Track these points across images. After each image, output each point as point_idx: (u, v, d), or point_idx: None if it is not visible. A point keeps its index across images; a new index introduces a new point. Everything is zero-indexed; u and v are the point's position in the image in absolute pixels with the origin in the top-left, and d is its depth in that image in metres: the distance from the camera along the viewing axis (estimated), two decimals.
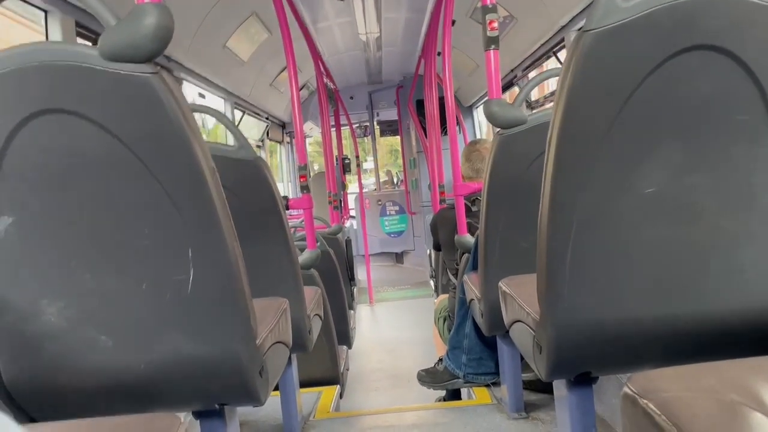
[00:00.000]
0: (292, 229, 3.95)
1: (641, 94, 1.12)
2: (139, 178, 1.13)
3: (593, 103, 1.14)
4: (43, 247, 1.19)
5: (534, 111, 4.47)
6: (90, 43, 2.56)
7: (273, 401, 2.27)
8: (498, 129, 1.95)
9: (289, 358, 2.17)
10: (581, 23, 2.78)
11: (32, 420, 1.27)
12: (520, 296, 1.52)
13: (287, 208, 2.67)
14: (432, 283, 6.08)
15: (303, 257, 2.73)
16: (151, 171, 1.12)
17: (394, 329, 6.11)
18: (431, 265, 6.16)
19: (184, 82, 3.83)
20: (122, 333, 1.23)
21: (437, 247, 4.05)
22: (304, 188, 3.00)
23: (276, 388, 2.10)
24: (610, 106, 1.13)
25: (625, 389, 0.83)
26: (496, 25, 2.09)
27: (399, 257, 9.56)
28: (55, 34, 2.40)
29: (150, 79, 1.08)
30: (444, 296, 3.52)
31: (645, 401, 0.78)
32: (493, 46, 2.11)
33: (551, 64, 4.33)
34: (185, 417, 1.69)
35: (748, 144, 1.15)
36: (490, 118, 1.94)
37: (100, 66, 1.07)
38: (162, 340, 1.23)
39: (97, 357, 1.23)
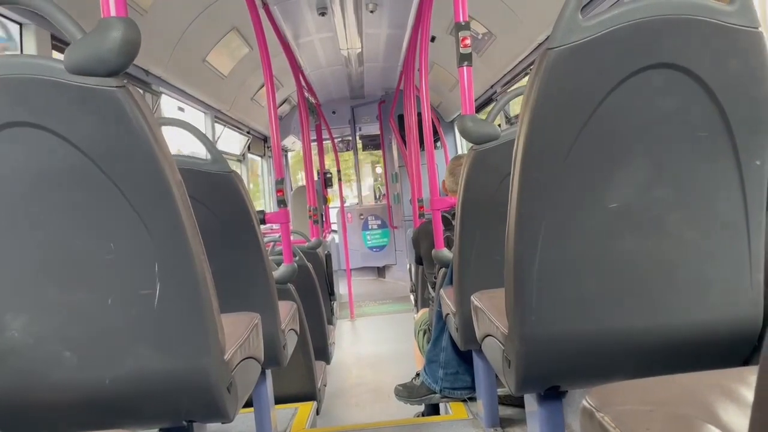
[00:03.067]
0: (271, 244, 3.94)
1: (604, 111, 1.14)
2: (105, 192, 1.12)
3: (557, 119, 1.15)
4: (7, 261, 1.17)
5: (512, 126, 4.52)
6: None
7: (247, 417, 2.25)
8: (472, 144, 1.97)
9: (264, 373, 2.15)
10: None
11: None
12: (491, 310, 1.53)
13: (263, 223, 2.66)
14: (412, 297, 6.08)
15: (279, 272, 2.72)
16: (116, 185, 1.12)
17: (375, 344, 6.09)
18: (412, 280, 6.16)
19: (164, 96, 3.82)
20: (88, 348, 1.21)
21: (419, 261, 4.06)
22: (281, 202, 2.99)
23: (250, 404, 2.09)
24: (574, 122, 1.14)
25: (584, 403, 0.83)
26: (468, 42, 2.11)
27: (381, 271, 9.55)
28: (30, 47, 2.39)
29: (116, 92, 1.07)
30: (425, 310, 3.52)
31: (601, 414, 0.79)
32: (466, 63, 2.14)
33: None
34: None
35: (708, 160, 1.18)
36: (464, 133, 1.95)
37: (66, 79, 1.07)
38: (128, 355, 1.21)
39: (63, 373, 1.21)
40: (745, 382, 0.82)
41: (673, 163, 1.18)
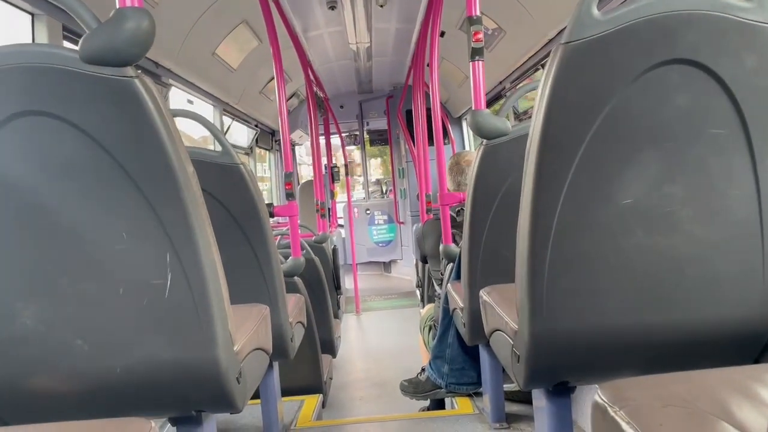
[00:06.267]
0: (278, 237, 3.95)
1: (619, 107, 1.14)
2: (118, 182, 1.13)
3: (571, 114, 1.15)
4: (19, 249, 1.18)
5: (522, 122, 4.50)
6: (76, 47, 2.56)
7: (254, 409, 2.26)
8: (482, 139, 1.97)
9: (271, 365, 2.16)
10: None
11: (5, 423, 1.26)
12: (500, 305, 1.53)
13: (272, 216, 2.66)
14: (418, 292, 6.08)
15: (286, 265, 2.73)
16: (129, 174, 1.12)
17: (381, 338, 6.10)
18: (418, 275, 6.16)
19: (173, 89, 3.82)
20: (99, 337, 1.22)
21: (423, 260, 4.05)
22: (290, 196, 2.99)
23: (257, 396, 2.10)
24: (588, 117, 1.14)
25: (596, 398, 0.83)
26: (481, 36, 2.10)
27: (387, 266, 9.55)
28: (42, 38, 2.39)
29: (130, 82, 1.08)
30: (431, 305, 3.52)
31: (615, 410, 0.79)
32: (477, 58, 2.13)
33: (540, 76, 4.36)
34: (164, 423, 1.68)
35: (723, 156, 1.17)
36: (474, 128, 1.95)
37: (81, 69, 1.07)
38: (138, 344, 1.22)
39: (73, 361, 1.22)
40: (759, 379, 0.82)
41: (687, 160, 1.17)
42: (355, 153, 9.47)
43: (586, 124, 1.14)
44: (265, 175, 7.66)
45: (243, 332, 1.43)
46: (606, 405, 0.81)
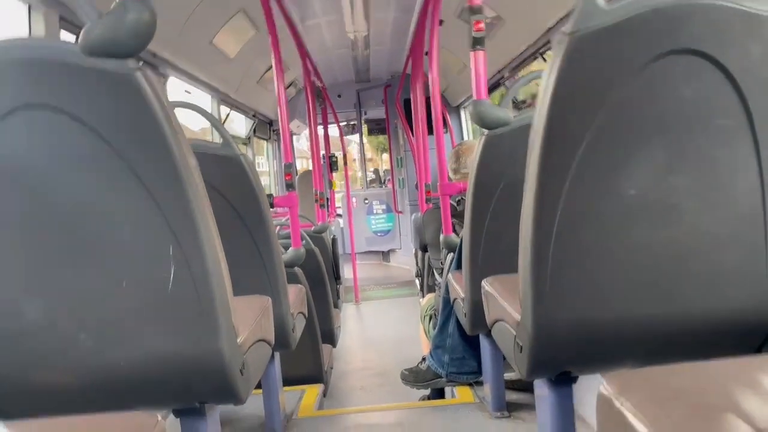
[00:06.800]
0: (278, 227, 3.94)
1: (624, 97, 1.13)
2: (120, 175, 1.12)
3: (576, 105, 1.14)
4: (22, 243, 1.18)
5: (521, 111, 4.48)
6: (74, 36, 2.54)
7: (255, 399, 2.26)
8: (484, 129, 1.96)
9: (272, 356, 2.17)
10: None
11: (9, 417, 1.26)
12: (502, 296, 1.53)
13: (272, 206, 2.66)
14: (418, 282, 6.09)
15: (287, 255, 2.73)
16: (131, 167, 1.12)
17: (380, 328, 6.11)
18: (417, 265, 6.17)
19: (171, 78, 3.80)
20: (102, 331, 1.22)
21: (423, 248, 4.06)
22: (290, 186, 2.98)
23: (259, 386, 2.10)
24: (593, 108, 1.13)
25: (601, 389, 0.83)
26: (482, 26, 2.09)
27: (385, 256, 9.56)
28: (39, 28, 2.37)
29: (132, 75, 1.07)
30: (431, 295, 3.53)
31: (621, 401, 0.79)
32: (478, 47, 2.12)
33: (538, 64, 4.35)
34: (166, 414, 1.69)
35: (728, 148, 1.17)
36: (476, 118, 1.95)
37: (82, 62, 1.06)
38: (142, 337, 1.22)
39: (77, 355, 1.22)
40: (766, 370, 0.82)
41: (692, 151, 1.17)
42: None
43: (591, 115, 1.13)
44: (263, 170, 7.64)
45: (246, 324, 1.43)
46: (612, 397, 0.81)
